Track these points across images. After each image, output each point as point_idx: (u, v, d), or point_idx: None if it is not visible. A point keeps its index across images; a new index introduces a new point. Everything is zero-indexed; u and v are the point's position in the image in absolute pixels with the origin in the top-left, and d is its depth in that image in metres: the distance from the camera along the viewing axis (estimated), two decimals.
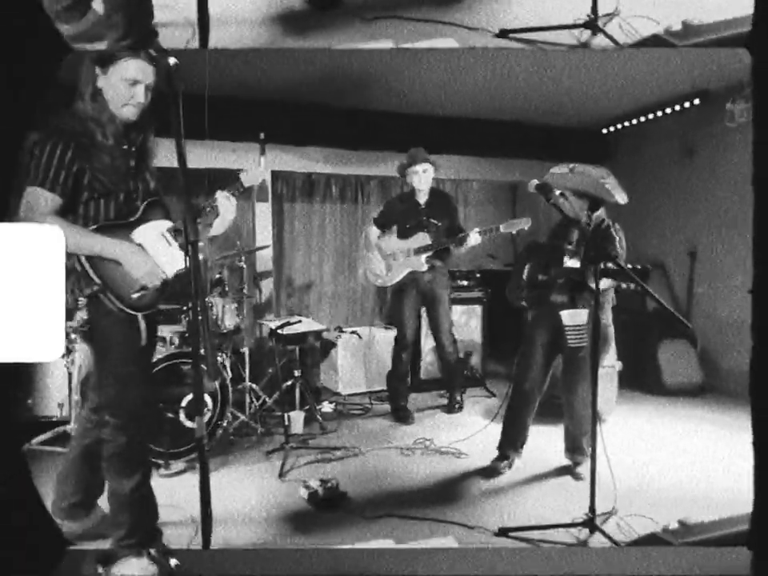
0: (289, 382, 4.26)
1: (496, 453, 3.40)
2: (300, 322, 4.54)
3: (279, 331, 4.23)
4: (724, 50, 2.99)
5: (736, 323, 5.19)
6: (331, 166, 5.68)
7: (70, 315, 2.20)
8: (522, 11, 2.56)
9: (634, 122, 5.76)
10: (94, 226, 2.17)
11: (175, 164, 1.85)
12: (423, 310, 4.54)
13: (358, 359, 5.06)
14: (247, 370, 4.23)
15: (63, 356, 3.51)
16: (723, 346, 5.28)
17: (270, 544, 2.58)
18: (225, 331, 3.98)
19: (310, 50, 3.86)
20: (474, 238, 4.01)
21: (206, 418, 3.52)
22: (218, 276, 4.11)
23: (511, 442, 3.36)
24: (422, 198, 4.34)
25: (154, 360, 3.13)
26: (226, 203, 2.32)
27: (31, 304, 1.74)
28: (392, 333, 5.22)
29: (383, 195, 6.09)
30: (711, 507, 2.85)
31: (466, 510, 2.91)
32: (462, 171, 6.12)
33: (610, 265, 2.61)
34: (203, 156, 4.84)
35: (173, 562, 1.93)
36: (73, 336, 3.47)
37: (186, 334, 3.60)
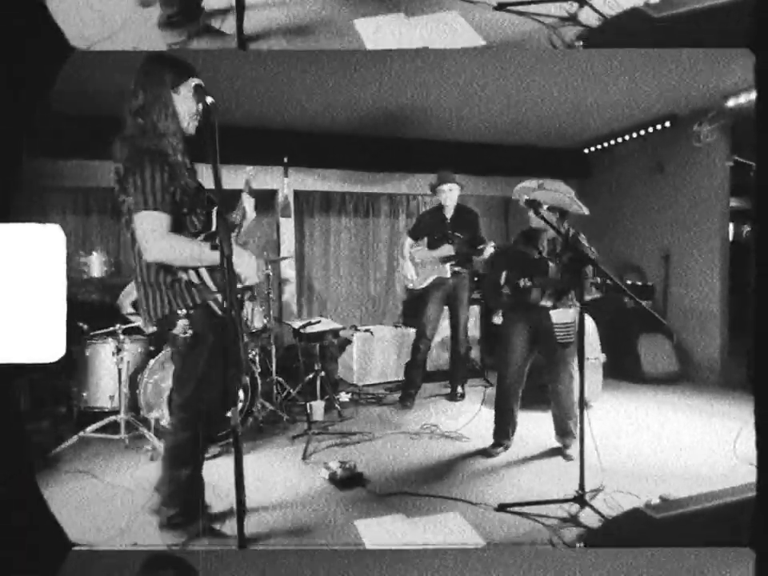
0: (311, 375, 4.24)
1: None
2: (320, 322, 4.53)
3: (302, 330, 4.23)
4: (723, 50, 2.84)
5: (707, 318, 5.15)
6: (346, 186, 5.74)
7: (171, 324, 2.08)
8: None
9: (612, 142, 5.78)
10: (201, 237, 2.06)
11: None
12: (446, 309, 4.53)
13: (370, 354, 5.03)
14: (274, 365, 4.24)
15: (113, 354, 3.51)
16: (696, 338, 5.24)
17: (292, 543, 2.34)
18: (254, 331, 3.98)
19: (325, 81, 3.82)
20: (488, 250, 4.10)
21: (239, 408, 3.50)
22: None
23: (503, 430, 3.34)
24: (449, 213, 4.37)
25: None
26: (248, 201, 2.41)
27: (32, 304, 1.57)
28: (401, 331, 5.20)
29: (392, 210, 6.21)
30: (689, 483, 2.81)
31: (468, 487, 2.87)
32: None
33: (598, 279, 2.59)
34: (230, 177, 4.83)
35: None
36: (124, 339, 3.47)
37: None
